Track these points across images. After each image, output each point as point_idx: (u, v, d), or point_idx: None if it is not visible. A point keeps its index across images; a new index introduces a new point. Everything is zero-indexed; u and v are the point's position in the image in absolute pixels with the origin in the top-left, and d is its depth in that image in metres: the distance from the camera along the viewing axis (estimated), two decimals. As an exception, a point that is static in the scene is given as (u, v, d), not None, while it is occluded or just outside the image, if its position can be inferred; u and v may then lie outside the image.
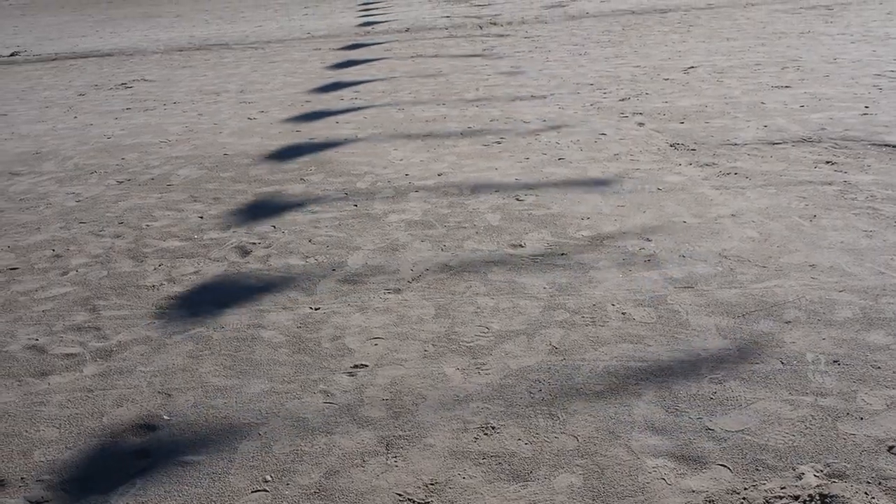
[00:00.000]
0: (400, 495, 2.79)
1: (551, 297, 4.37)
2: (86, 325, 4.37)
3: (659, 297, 4.27)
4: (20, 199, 6.83)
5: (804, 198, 5.67)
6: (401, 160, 7.21)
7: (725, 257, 4.74)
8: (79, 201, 6.65)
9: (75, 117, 10.13)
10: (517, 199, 5.99)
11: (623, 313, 4.12)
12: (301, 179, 6.83)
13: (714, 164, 6.58)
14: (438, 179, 6.60)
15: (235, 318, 4.34)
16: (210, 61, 13.88)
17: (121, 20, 21.49)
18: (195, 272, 5.01)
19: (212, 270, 5.02)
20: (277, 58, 13.70)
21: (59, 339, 4.24)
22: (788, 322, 3.91)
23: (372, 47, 14.02)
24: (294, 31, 16.69)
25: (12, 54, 16.29)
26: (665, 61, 11.16)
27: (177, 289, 4.78)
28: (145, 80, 12.44)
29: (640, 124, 7.95)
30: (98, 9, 25.04)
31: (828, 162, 6.46)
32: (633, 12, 16.14)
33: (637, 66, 10.93)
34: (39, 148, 8.63)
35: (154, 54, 15.11)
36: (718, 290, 4.32)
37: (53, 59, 15.38)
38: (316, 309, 4.40)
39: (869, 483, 2.70)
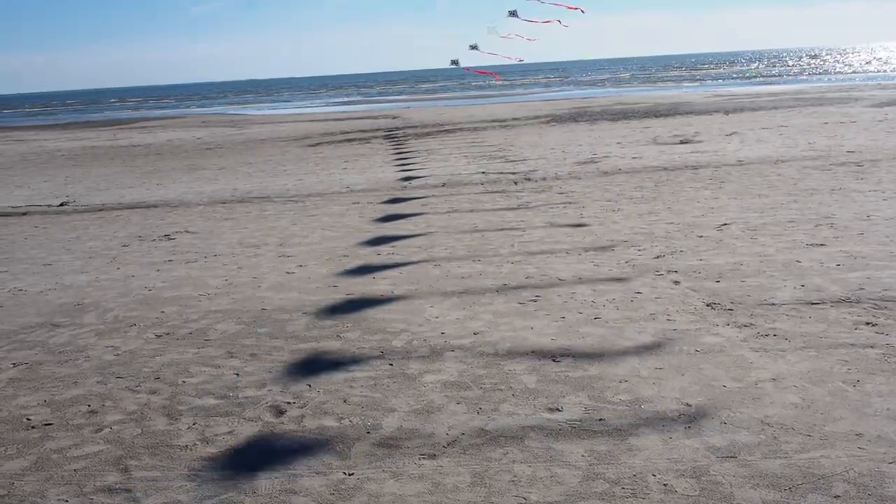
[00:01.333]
0: None
1: (590, 465, 4.26)
2: (117, 487, 4.33)
3: (701, 468, 4.16)
4: (59, 352, 6.91)
5: (846, 361, 5.58)
6: (437, 318, 7.24)
7: (768, 424, 4.62)
8: (117, 355, 6.72)
9: (118, 268, 10.36)
10: (553, 360, 5.95)
11: (665, 485, 4.01)
12: (337, 336, 6.86)
13: (752, 324, 6.53)
14: (474, 338, 6.59)
15: (268, 483, 4.27)
16: (251, 214, 14.27)
17: (167, 172, 22.31)
18: (229, 432, 4.98)
19: (246, 431, 4.99)
20: (317, 211, 14.06)
21: (89, 500, 4.19)
22: (838, 497, 3.77)
23: (409, 202, 14.35)
24: (334, 185, 17.19)
25: (62, 204, 16.90)
26: (698, 218, 11.28)
27: (210, 449, 4.74)
28: (188, 232, 12.78)
29: (676, 282, 7.96)
30: (147, 160, 26.07)
31: (868, 323, 6.38)
32: (665, 169, 16.46)
33: (670, 223, 11.04)
34: (81, 299, 8.80)
35: (198, 206, 15.58)
36: (762, 460, 4.20)
37: (100, 210, 15.90)
38: (350, 474, 4.33)
39: None
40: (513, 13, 20.01)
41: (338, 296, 8.24)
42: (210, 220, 13.86)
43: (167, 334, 7.25)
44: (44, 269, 10.61)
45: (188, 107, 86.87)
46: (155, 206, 15.93)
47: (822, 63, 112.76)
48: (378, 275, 9.08)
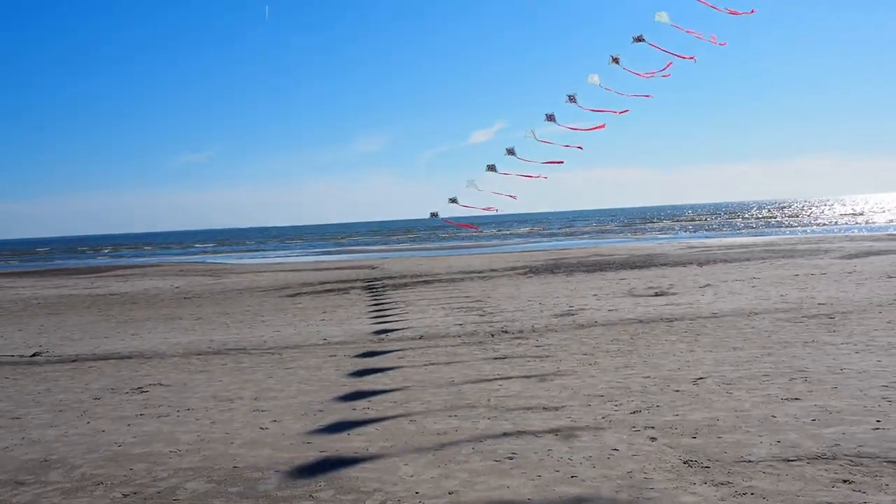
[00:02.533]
0: None
1: None
2: None
3: None
4: (23, 514, 6.70)
5: (825, 523, 5.52)
6: (411, 476, 7.12)
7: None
8: (82, 517, 6.52)
9: (88, 422, 10.18)
10: (529, 521, 5.85)
11: None
12: (310, 496, 6.72)
13: (729, 482, 6.48)
14: (449, 498, 6.48)
15: None
16: (227, 366, 14.17)
17: (143, 321, 22.23)
18: None
19: None
20: (294, 364, 13.99)
21: None
22: None
23: (387, 355, 14.33)
24: (311, 337, 17.17)
25: (34, 355, 16.71)
26: (674, 371, 11.33)
27: None
28: (161, 385, 12.63)
29: (653, 439, 7.92)
30: (123, 309, 26.00)
31: (845, 481, 6.35)
32: (641, 321, 16.63)
33: (647, 377, 11.08)
34: (48, 455, 8.60)
35: (172, 357, 15.47)
36: None
37: (74, 361, 15.73)
38: None
39: None
40: (491, 167, 20.60)
41: (312, 453, 8.11)
42: (184, 373, 13.74)
43: (134, 493, 7.07)
44: (11, 423, 10.40)
45: (168, 255, 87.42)
46: (129, 357, 15.79)
47: (791, 215, 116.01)
48: (353, 431, 8.98)
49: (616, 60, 17.24)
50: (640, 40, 17.35)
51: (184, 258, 76.03)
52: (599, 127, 19.67)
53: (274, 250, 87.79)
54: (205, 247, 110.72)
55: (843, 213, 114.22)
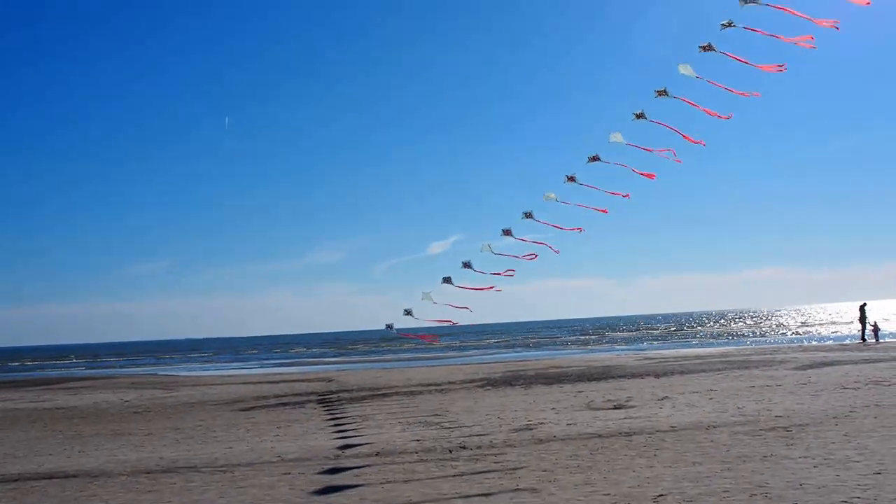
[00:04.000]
0: None
1: None
2: None
3: None
4: None
5: None
6: None
7: None
8: None
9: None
10: None
11: None
12: None
13: None
14: None
15: None
16: (176, 486, 13.71)
17: (91, 437, 21.54)
18: None
19: None
20: (245, 483, 13.57)
21: None
22: None
23: (343, 473, 13.98)
24: (265, 454, 16.73)
25: (-26, 476, 16.03)
26: (634, 489, 11.20)
27: None
28: None
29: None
30: (70, 424, 25.22)
31: None
32: (600, 436, 16.50)
33: (607, 494, 10.93)
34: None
35: (120, 476, 14.94)
36: None
37: (16, 480, 15.12)
38: None
39: None
40: (447, 280, 20.71)
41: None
42: (131, 493, 13.26)
43: None
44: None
45: (119, 366, 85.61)
46: (75, 476, 15.22)
47: (744, 325, 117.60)
48: (307, 555, 8.66)
49: (572, 179, 17.73)
50: (595, 160, 17.91)
51: (136, 370, 74.53)
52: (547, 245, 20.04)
53: (228, 362, 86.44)
54: (157, 358, 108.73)
55: (793, 322, 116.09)
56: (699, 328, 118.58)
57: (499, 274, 21.04)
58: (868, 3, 15.83)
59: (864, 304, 47.26)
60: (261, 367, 68.35)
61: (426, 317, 22.20)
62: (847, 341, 53.18)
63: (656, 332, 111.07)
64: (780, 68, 17.84)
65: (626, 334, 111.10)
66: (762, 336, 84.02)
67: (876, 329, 48.22)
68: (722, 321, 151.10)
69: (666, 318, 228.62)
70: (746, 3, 16.10)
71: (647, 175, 18.49)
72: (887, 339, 50.24)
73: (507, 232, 18.86)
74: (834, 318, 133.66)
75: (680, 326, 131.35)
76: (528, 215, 18.40)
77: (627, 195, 19.14)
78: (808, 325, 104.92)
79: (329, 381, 40.90)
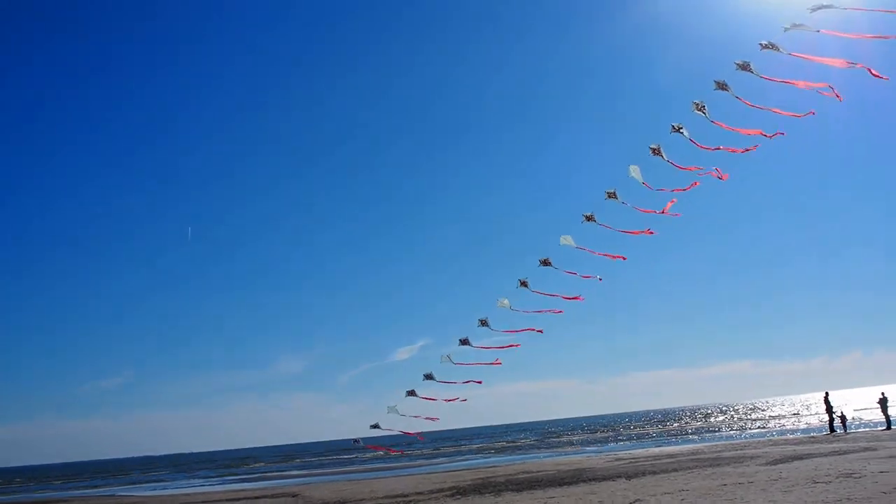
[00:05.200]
0: None
1: None
2: None
3: None
4: None
5: None
6: None
7: None
8: None
9: None
10: None
11: None
12: None
13: None
14: None
15: None
16: None
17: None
18: None
19: None
20: None
21: None
22: None
23: None
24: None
25: None
26: None
27: None
28: None
29: None
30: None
31: None
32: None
33: None
34: None
35: None
36: None
37: None
38: None
39: None
40: (411, 392, 20.50)
41: None
42: None
43: None
44: None
45: (76, 487, 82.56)
46: None
47: (715, 420, 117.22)
48: None
49: (524, 284, 17.85)
50: (546, 264, 18.08)
51: (94, 490, 71.89)
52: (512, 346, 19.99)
53: (191, 479, 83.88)
54: (115, 478, 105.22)
55: (762, 416, 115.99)
56: (670, 425, 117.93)
57: (468, 381, 20.89)
58: (840, 98, 16.41)
59: (827, 394, 47.38)
60: (224, 484, 66.32)
61: (393, 428, 21.84)
62: (815, 433, 53.07)
63: (627, 432, 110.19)
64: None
65: (596, 435, 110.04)
66: (732, 430, 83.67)
67: (843, 419, 48.24)
68: (693, 417, 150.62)
69: (636, 416, 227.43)
70: (698, 108, 16.68)
71: (593, 277, 18.75)
72: (856, 430, 50.23)
73: (463, 341, 18.84)
74: (801, 409, 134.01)
75: (651, 424, 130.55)
76: (483, 323, 18.42)
77: (579, 297, 19.28)
78: (776, 418, 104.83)
79: (294, 496, 39.69)
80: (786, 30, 16.51)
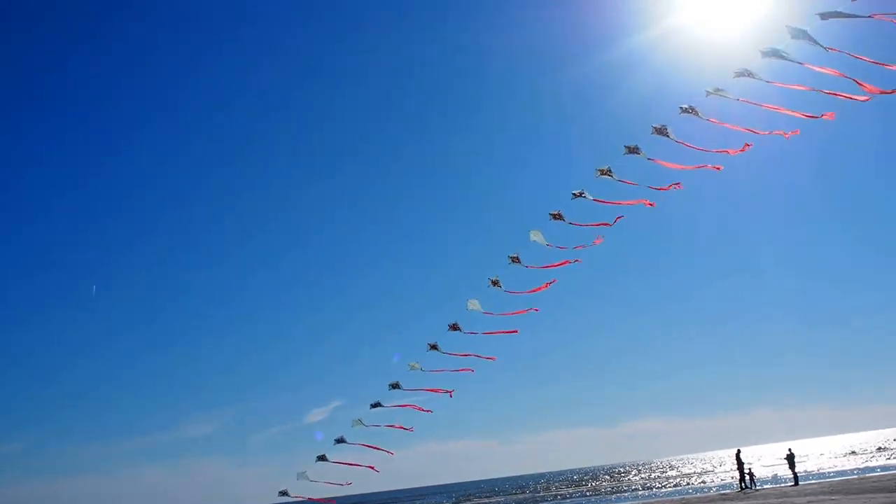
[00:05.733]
0: None
1: None
2: None
3: None
4: None
5: None
6: None
7: None
8: None
9: None
10: None
11: None
12: None
13: None
14: None
15: None
16: None
17: None
18: None
19: None
20: None
21: None
22: None
23: None
24: None
25: None
26: None
27: None
28: None
29: None
30: None
31: None
32: None
33: None
34: None
35: None
36: None
37: None
38: None
39: None
40: (321, 457, 20.01)
41: None
42: None
43: None
44: None
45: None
46: None
47: (632, 478, 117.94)
48: None
49: (435, 347, 17.81)
50: (454, 329, 18.12)
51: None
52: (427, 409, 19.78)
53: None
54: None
55: (678, 473, 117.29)
56: (587, 485, 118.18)
57: (376, 448, 20.50)
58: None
59: (739, 451, 48.27)
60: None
61: (302, 495, 21.25)
62: (728, 490, 53.77)
63: (546, 493, 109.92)
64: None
65: (515, 496, 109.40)
66: (648, 489, 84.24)
67: (752, 475, 49.03)
68: (610, 475, 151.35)
69: (554, 475, 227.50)
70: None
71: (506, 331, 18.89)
72: (765, 486, 51.09)
73: (375, 405, 18.56)
74: (714, 466, 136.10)
75: (569, 484, 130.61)
76: (394, 386, 18.20)
77: (493, 358, 19.29)
78: (690, 476, 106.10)
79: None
80: (708, 94, 17.10)
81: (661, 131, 17.66)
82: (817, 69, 15.75)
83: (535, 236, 18.71)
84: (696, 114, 17.50)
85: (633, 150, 18.03)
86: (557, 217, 18.73)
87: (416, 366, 17.81)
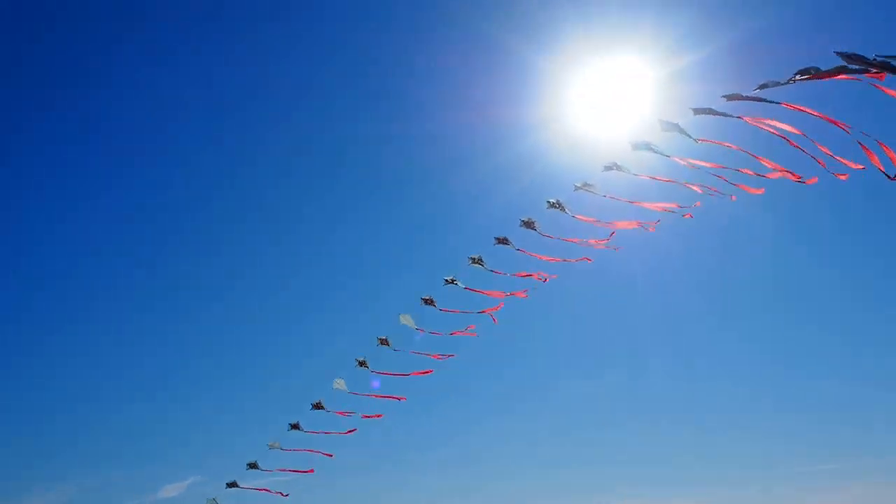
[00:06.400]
0: None
1: None
2: None
3: None
4: None
5: None
6: None
7: None
8: None
9: None
10: None
11: None
12: None
13: None
14: None
15: None
16: None
17: None
18: None
19: None
20: None
21: None
22: None
23: None
24: None
25: None
26: None
27: None
28: None
29: None
30: None
31: None
32: None
33: None
34: None
35: None
36: None
37: None
38: None
39: None
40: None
41: None
42: None
43: None
44: None
45: None
46: None
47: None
48: None
49: (296, 426, 17.65)
50: (318, 407, 18.03)
51: None
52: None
53: None
54: None
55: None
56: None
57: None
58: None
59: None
60: None
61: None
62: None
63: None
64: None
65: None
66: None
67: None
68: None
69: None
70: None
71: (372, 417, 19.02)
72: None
73: (231, 484, 18.13)
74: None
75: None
76: (252, 466, 17.85)
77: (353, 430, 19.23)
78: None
79: None
80: (576, 188, 17.49)
81: (529, 224, 18.27)
82: (692, 162, 16.40)
83: (405, 320, 18.90)
84: (562, 209, 18.06)
85: (502, 241, 18.54)
86: (429, 302, 18.96)
87: (276, 444, 17.54)
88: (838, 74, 12.21)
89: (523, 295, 20.15)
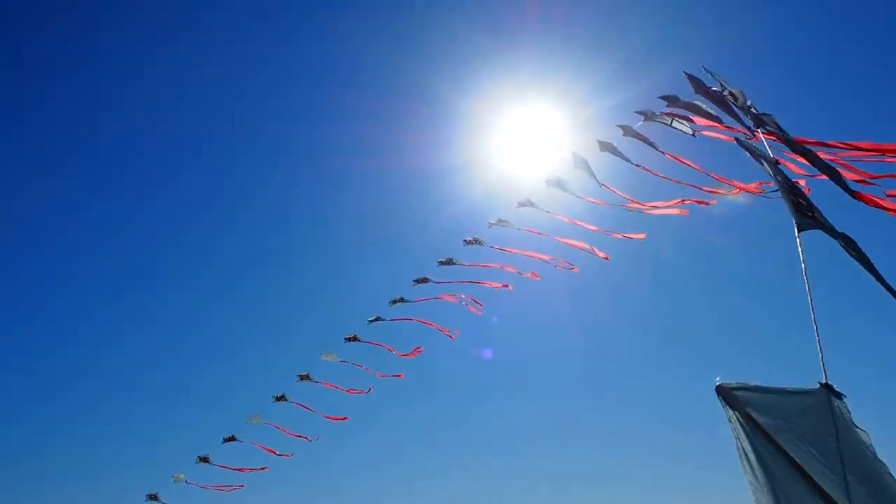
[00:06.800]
0: None
1: None
2: None
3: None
4: None
5: None
6: None
7: None
8: None
9: None
10: None
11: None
12: None
13: None
14: None
15: None
16: None
17: None
18: None
19: None
20: None
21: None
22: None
23: None
24: None
25: None
26: None
27: None
28: None
29: None
30: None
31: None
32: None
33: None
34: None
35: None
36: None
37: None
38: None
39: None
40: None
41: None
42: None
43: None
44: None
45: None
46: None
47: None
48: None
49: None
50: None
51: None
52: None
53: None
54: None
55: None
56: None
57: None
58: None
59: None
60: None
61: None
62: None
63: None
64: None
65: None
66: None
67: None
68: None
69: None
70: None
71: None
72: None
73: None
74: None
75: None
76: (152, 496, 17.68)
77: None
78: None
79: None
80: (491, 225, 17.38)
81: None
82: (572, 221, 16.48)
83: (328, 357, 18.81)
84: (480, 243, 17.93)
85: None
86: (353, 339, 18.88)
87: (181, 477, 17.35)
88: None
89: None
